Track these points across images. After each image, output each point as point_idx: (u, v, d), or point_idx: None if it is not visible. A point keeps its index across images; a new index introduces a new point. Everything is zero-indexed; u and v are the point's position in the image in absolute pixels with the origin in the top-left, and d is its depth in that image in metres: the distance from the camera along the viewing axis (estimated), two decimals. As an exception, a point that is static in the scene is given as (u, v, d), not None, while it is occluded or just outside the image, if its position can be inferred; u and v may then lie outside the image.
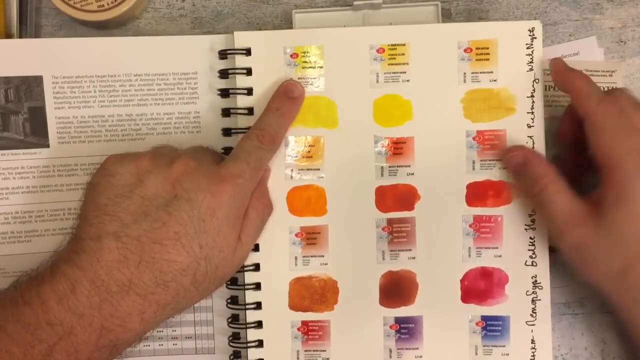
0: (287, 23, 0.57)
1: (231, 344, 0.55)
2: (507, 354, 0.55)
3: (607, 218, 0.47)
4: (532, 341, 0.54)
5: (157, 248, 0.46)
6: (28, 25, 0.56)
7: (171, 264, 0.47)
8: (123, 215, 0.47)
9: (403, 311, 0.55)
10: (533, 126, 0.54)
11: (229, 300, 0.55)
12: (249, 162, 0.50)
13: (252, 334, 0.54)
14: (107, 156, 0.50)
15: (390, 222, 0.54)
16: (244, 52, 0.53)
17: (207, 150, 0.53)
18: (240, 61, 0.54)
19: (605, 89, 0.53)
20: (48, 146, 0.54)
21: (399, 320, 0.55)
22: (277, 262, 0.54)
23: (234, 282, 0.54)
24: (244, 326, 0.54)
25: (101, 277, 0.45)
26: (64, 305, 0.45)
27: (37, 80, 0.54)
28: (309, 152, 0.54)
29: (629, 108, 0.48)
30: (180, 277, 0.47)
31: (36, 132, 0.54)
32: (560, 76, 0.52)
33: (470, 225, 0.54)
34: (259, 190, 0.52)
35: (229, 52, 0.54)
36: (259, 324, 0.54)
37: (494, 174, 0.54)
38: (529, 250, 0.54)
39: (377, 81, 0.54)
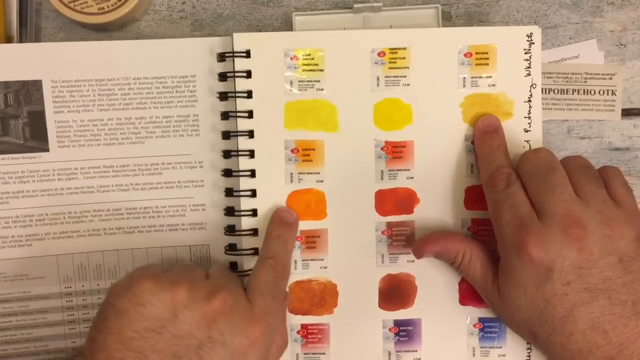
0: (287, 25, 0.57)
1: (231, 346, 0.55)
2: (504, 355, 0.55)
3: (502, 291, 0.49)
4: (528, 342, 0.54)
5: None
6: (28, 28, 0.56)
7: None
8: (149, 353, 0.42)
9: (402, 314, 0.55)
10: (530, 130, 0.54)
11: (228, 303, 0.55)
12: (274, 296, 0.49)
13: (252, 337, 0.54)
14: (136, 275, 0.46)
15: (389, 225, 0.55)
16: (244, 54, 0.53)
17: (237, 277, 0.51)
18: (240, 64, 0.53)
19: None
20: (48, 150, 0.54)
21: (398, 323, 0.55)
22: (276, 265, 0.54)
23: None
24: (244, 329, 0.54)
25: None
26: None
27: (37, 85, 0.54)
28: (308, 155, 0.54)
29: (510, 184, 0.49)
30: None
31: (36, 136, 0.54)
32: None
33: (468, 229, 0.55)
34: (281, 325, 0.52)
35: (227, 54, 0.54)
36: (258, 327, 0.54)
37: (493, 177, 0.54)
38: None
39: (378, 85, 0.54)
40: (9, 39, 0.55)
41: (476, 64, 0.54)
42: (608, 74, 0.57)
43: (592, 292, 0.46)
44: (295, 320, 0.55)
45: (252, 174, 0.54)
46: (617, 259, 0.46)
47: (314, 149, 0.54)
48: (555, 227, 0.46)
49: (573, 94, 0.57)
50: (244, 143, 0.54)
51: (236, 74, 0.54)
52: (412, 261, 0.54)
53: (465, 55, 0.53)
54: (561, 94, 0.57)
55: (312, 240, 0.54)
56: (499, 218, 0.49)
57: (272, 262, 0.51)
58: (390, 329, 0.55)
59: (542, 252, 0.46)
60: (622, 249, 0.46)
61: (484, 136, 0.53)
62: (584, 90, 0.57)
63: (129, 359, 0.42)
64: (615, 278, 0.46)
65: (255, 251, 0.54)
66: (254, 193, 0.54)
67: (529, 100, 0.54)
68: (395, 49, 0.54)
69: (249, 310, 0.47)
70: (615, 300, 0.46)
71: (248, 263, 0.54)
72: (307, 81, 0.54)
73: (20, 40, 0.56)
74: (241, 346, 0.45)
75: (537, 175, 0.49)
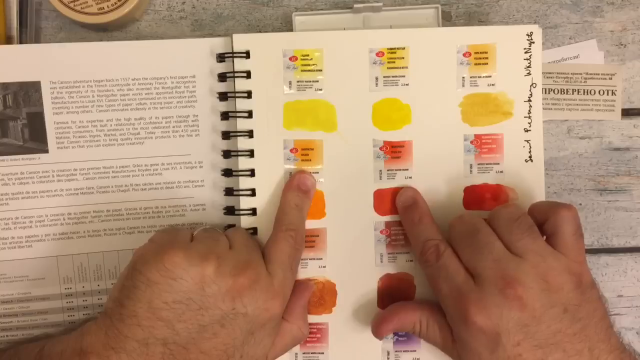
0: (287, 26, 0.57)
1: (230, 345, 0.55)
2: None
3: (461, 357, 0.48)
4: None
5: (202, 357, 0.46)
6: (28, 28, 0.56)
7: None
8: (176, 322, 0.45)
9: (401, 314, 0.55)
10: (530, 130, 0.54)
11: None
12: (292, 268, 0.51)
13: (251, 336, 0.55)
14: (165, 246, 0.47)
15: (388, 225, 0.55)
16: (243, 55, 0.53)
17: (257, 244, 0.52)
18: (240, 64, 0.54)
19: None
20: (47, 151, 0.54)
21: (396, 323, 0.55)
22: (275, 265, 0.54)
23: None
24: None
25: None
26: None
27: (35, 86, 0.54)
28: (307, 155, 0.54)
29: (440, 256, 0.49)
30: None
31: (35, 138, 0.54)
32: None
33: (468, 229, 0.54)
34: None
35: (227, 55, 0.54)
36: (257, 326, 0.55)
37: (492, 177, 0.54)
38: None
39: (376, 85, 0.54)
40: (9, 39, 0.55)
41: (475, 64, 0.53)
42: (608, 74, 0.57)
43: (544, 348, 0.44)
44: (294, 320, 0.55)
45: (252, 173, 0.54)
46: (561, 310, 0.45)
47: (312, 149, 0.54)
48: (492, 289, 0.45)
49: (573, 94, 0.57)
50: (243, 143, 0.54)
51: (236, 75, 0.54)
52: (411, 261, 0.55)
53: (464, 54, 0.53)
54: (561, 94, 0.57)
55: (311, 240, 0.54)
56: (438, 291, 0.48)
57: (294, 234, 0.51)
58: (389, 329, 0.55)
59: (485, 318, 0.45)
60: (563, 299, 0.45)
61: (405, 212, 0.53)
62: (584, 90, 0.57)
63: (157, 327, 0.45)
64: (565, 329, 0.44)
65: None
66: (253, 192, 0.54)
67: (529, 100, 0.54)
68: (394, 49, 0.54)
69: (271, 285, 0.48)
70: (571, 352, 0.44)
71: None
72: (305, 81, 0.54)
73: (20, 41, 0.56)
74: (261, 318, 0.47)
75: (464, 240, 0.48)
